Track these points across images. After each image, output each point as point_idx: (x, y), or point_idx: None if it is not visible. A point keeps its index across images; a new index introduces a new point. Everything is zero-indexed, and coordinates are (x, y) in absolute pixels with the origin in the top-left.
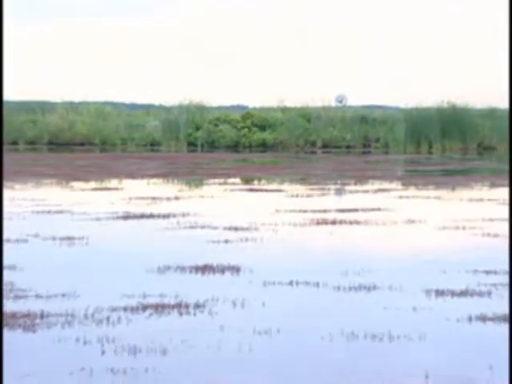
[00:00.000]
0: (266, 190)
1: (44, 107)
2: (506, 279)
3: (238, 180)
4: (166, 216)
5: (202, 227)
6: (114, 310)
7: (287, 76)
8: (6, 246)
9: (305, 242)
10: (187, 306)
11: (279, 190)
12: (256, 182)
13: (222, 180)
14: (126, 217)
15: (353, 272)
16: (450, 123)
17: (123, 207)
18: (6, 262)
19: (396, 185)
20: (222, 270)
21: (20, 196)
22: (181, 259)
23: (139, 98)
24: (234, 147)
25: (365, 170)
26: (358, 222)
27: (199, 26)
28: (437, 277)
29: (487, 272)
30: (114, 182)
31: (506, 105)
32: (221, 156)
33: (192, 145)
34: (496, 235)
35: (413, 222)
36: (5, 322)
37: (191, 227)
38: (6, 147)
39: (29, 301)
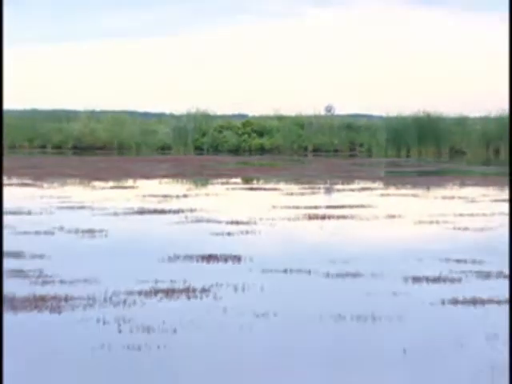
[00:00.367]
0: (264, 189)
1: (69, 116)
2: (475, 267)
3: (239, 180)
4: (176, 211)
5: (208, 221)
6: (129, 293)
7: (283, 88)
8: (36, 238)
9: (298, 234)
10: (194, 291)
11: (275, 189)
12: (255, 182)
13: (224, 180)
14: (141, 212)
15: (340, 261)
16: (425, 130)
17: (138, 203)
18: (35, 251)
19: (378, 184)
20: (225, 258)
21: (48, 194)
22: (188, 249)
23: (152, 108)
24: (236, 151)
25: (351, 171)
26: (344, 217)
27: (203, 45)
28: (414, 265)
29: (458, 261)
30: (129, 182)
31: (474, 114)
32: (224, 159)
33: (199, 149)
34: (466, 228)
35: (393, 216)
36: (34, 304)
37: (198, 221)
38: (35, 151)
39: (55, 285)
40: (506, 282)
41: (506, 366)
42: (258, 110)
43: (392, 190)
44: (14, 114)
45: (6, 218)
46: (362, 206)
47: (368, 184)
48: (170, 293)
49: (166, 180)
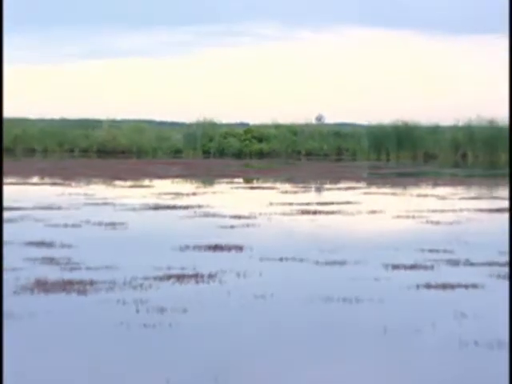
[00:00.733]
0: (263, 188)
1: (94, 124)
2: (445, 256)
3: (241, 180)
4: (186, 207)
5: (214, 216)
6: (145, 278)
7: (279, 101)
8: (65, 230)
9: (292, 227)
10: (202, 276)
11: (272, 188)
12: (255, 182)
13: (228, 180)
14: (156, 207)
15: (328, 250)
16: (402, 137)
17: (153, 200)
18: (64, 241)
19: (361, 184)
20: (229, 248)
21: (75, 192)
22: (197, 240)
23: (166, 117)
24: (238, 155)
25: (338, 172)
26: (332, 212)
27: (211, 63)
28: (392, 254)
29: (431, 251)
30: (146, 181)
31: (445, 123)
32: (228, 162)
33: (206, 153)
34: (437, 222)
35: (374, 212)
36: (63, 287)
37: (205, 216)
38: (64, 155)
39: (81, 271)
40: (473, 269)
41: (471, 339)
42: (257, 119)
43: (374, 189)
44: (46, 122)
45: (41, 213)
46: (348, 203)
47: (353, 184)
48: (180, 278)
49: (177, 180)
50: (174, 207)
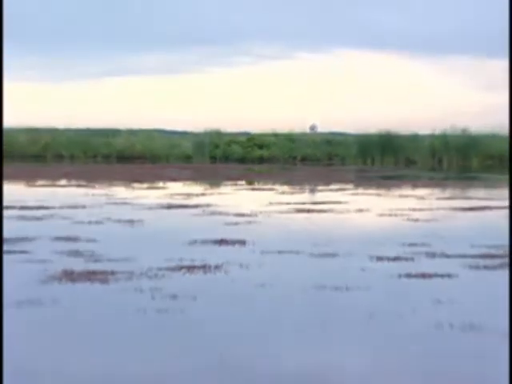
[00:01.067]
0: (263, 189)
1: (114, 133)
2: (424, 249)
3: (243, 182)
4: (195, 206)
5: (220, 214)
6: (160, 269)
7: (278, 113)
8: (89, 226)
9: (289, 224)
10: (209, 267)
11: (272, 189)
12: (256, 184)
13: (233, 182)
14: (169, 207)
15: (321, 244)
16: (386, 145)
17: (166, 200)
18: (88, 236)
19: (350, 186)
20: (233, 242)
21: (98, 193)
22: (205, 235)
23: (177, 127)
24: (242, 160)
25: (329, 176)
26: (324, 211)
27: (216, 79)
28: (377, 247)
29: (411, 244)
30: (160, 184)
31: (423, 132)
32: (232, 166)
33: (213, 158)
34: (417, 220)
35: (361, 210)
36: (87, 277)
37: (212, 214)
38: (88, 160)
39: (103, 263)
40: (448, 260)
41: (446, 323)
42: (258, 128)
43: (361, 190)
44: (73, 132)
45: (67, 211)
46: (338, 203)
47: (342, 186)
48: (190, 269)
49: (188, 182)
50: (185, 206)
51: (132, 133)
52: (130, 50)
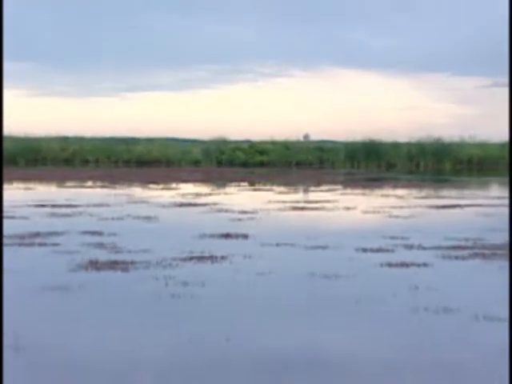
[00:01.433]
0: (263, 190)
1: (133, 141)
2: (403, 242)
3: (246, 184)
4: (204, 204)
5: (225, 211)
6: (173, 259)
7: (276, 123)
8: (111, 222)
9: (285, 220)
10: (216, 258)
11: (270, 190)
12: (257, 185)
13: (236, 183)
14: (181, 205)
15: (313, 237)
16: (370, 151)
17: (179, 199)
18: (111, 231)
19: (339, 187)
20: (237, 236)
21: (119, 193)
22: (212, 230)
23: (189, 135)
24: (244, 165)
25: (320, 178)
26: (316, 208)
27: (221, 94)
28: (362, 240)
29: (391, 237)
30: (173, 185)
31: (402, 140)
32: (236, 170)
33: (219, 163)
34: (397, 216)
35: (348, 208)
36: (110, 266)
37: (218, 211)
38: (111, 165)
39: (124, 254)
40: (424, 252)
41: (422, 306)
42: (259, 137)
43: (348, 191)
44: (98, 140)
45: (93, 209)
46: (328, 201)
47: (332, 187)
48: (199, 259)
49: (197, 184)
50: (194, 205)
51: (149, 141)
52: (146, 69)
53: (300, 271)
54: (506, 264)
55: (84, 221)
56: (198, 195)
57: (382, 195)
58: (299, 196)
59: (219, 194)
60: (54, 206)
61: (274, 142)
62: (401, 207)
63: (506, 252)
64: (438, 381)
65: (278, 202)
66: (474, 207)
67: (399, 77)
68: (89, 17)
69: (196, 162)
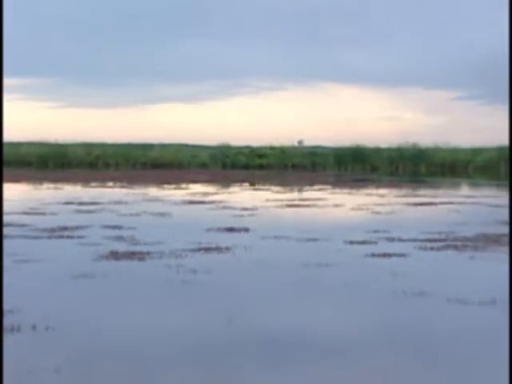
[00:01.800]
0: (262, 189)
1: (149, 146)
2: (385, 235)
3: (247, 184)
4: (210, 202)
5: (229, 208)
6: (183, 250)
7: (273, 131)
8: (129, 217)
9: (281, 215)
10: (221, 249)
11: (269, 189)
12: (257, 185)
13: (239, 184)
14: (190, 202)
15: (306, 231)
16: (356, 155)
17: (188, 197)
18: (129, 225)
19: (328, 186)
20: (239, 230)
21: (136, 192)
22: (217, 224)
23: (197, 141)
24: (246, 167)
25: (312, 179)
26: (309, 206)
27: (224, 106)
28: (349, 234)
29: (375, 231)
30: (184, 185)
31: (383, 145)
32: (239, 172)
33: (224, 166)
34: (379, 212)
35: (337, 205)
36: (128, 256)
37: (223, 208)
38: (129, 167)
39: (140, 245)
40: (403, 244)
41: (400, 290)
42: (259, 142)
43: (337, 190)
44: (118, 145)
45: (113, 206)
46: (319, 200)
47: (323, 186)
48: (207, 250)
49: (204, 184)
50: (202, 202)
51: (163, 146)
52: (160, 84)
53: (295, 260)
54: (476, 254)
55: (106, 216)
56: (205, 194)
57: (367, 194)
58: (294, 195)
59: (224, 193)
60: (79, 203)
61: (272, 147)
62: (383, 205)
63: (475, 243)
64: (410, 355)
65: (276, 200)
66: (447, 205)
67: (381, 91)
68: (111, 39)
69: (204, 165)
